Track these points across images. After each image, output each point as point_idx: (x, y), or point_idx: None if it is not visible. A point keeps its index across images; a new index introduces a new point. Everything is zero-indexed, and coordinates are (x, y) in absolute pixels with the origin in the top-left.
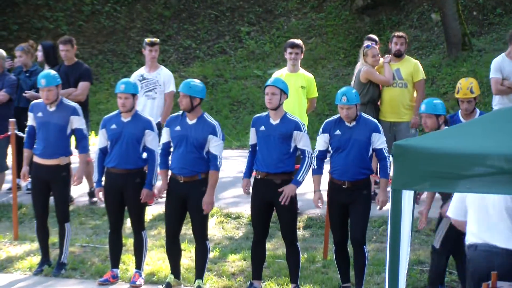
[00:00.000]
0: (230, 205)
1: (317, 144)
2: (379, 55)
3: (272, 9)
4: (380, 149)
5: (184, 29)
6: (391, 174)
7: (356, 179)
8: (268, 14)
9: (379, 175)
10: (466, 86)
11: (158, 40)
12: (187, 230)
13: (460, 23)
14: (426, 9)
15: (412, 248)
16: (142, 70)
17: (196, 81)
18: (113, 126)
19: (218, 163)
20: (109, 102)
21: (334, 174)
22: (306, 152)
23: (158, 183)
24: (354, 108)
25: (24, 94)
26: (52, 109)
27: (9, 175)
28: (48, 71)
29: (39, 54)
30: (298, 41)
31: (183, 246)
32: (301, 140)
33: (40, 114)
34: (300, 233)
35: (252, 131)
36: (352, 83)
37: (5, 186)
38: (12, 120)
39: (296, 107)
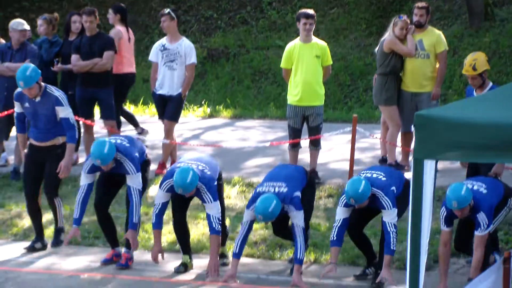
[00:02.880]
0: (251, 175)
1: (338, 213)
2: (407, 31)
3: None
4: (384, 222)
5: (205, 0)
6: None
7: None
8: None
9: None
10: (469, 63)
11: (167, 10)
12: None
13: None
14: None
15: (433, 217)
16: (164, 40)
17: (188, 178)
18: (26, 104)
19: (215, 226)
20: None
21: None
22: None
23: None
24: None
25: (53, 69)
26: (37, 99)
27: None
28: (22, 69)
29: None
30: (311, 11)
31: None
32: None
33: (27, 104)
34: (322, 202)
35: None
36: (376, 52)
37: None
38: None
39: (313, 77)
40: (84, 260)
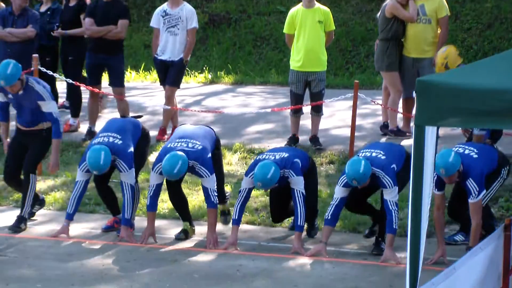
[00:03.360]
0: (252, 141)
1: (336, 192)
2: None
3: None
4: (385, 200)
5: None
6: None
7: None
8: None
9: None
10: (440, 61)
11: None
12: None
13: None
14: None
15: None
16: (165, 6)
17: (175, 169)
18: (10, 96)
19: (213, 199)
20: (132, 39)
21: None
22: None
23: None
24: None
25: (53, 34)
26: (20, 93)
27: None
28: (3, 66)
29: None
30: None
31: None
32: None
33: (10, 96)
34: (323, 168)
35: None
36: (378, 17)
37: None
38: (35, 55)
39: (315, 43)
40: (85, 227)
